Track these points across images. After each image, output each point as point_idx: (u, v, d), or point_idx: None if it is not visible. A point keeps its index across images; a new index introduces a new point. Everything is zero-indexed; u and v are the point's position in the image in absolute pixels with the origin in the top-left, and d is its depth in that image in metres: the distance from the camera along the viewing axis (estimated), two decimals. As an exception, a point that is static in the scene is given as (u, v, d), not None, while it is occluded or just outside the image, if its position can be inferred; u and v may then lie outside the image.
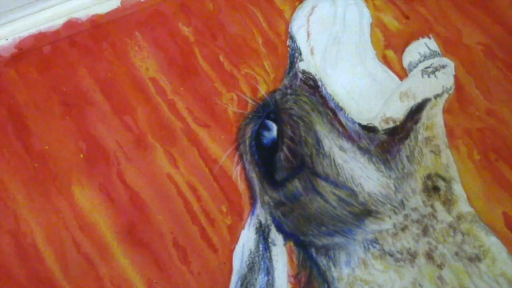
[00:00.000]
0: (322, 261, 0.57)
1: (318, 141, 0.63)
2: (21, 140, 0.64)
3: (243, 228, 0.59)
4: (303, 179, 0.61)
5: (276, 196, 0.61)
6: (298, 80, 0.67)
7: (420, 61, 0.68)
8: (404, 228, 0.59)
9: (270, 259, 0.58)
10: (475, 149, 0.63)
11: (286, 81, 0.67)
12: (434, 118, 0.64)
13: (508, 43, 0.70)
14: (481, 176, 0.62)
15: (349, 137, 0.63)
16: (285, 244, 0.59)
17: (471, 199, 0.60)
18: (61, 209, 0.60)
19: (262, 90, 0.67)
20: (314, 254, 0.58)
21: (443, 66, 0.67)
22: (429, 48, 0.69)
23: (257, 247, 0.58)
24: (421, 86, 0.66)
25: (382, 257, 0.57)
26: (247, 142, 0.63)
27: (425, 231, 0.58)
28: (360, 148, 0.63)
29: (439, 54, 0.69)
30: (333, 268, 0.57)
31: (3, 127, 0.64)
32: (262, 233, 0.59)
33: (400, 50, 0.69)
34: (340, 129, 0.64)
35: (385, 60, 0.69)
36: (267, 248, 0.58)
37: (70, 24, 0.70)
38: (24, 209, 0.60)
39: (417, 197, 0.60)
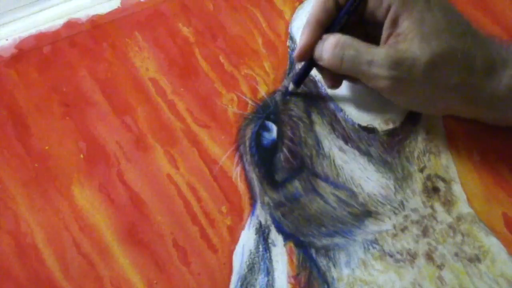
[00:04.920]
0: (322, 261, 0.57)
1: (318, 142, 0.63)
2: (21, 140, 0.63)
3: (243, 228, 0.59)
4: (303, 180, 0.61)
5: (276, 196, 0.61)
6: (298, 80, 0.67)
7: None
8: (404, 229, 0.59)
9: (270, 259, 0.58)
10: (475, 150, 0.63)
11: (286, 82, 0.67)
12: (434, 119, 0.64)
13: (508, 44, 0.69)
14: (481, 177, 0.62)
15: (349, 138, 0.63)
16: (285, 245, 0.59)
17: (471, 200, 0.60)
18: (61, 209, 0.60)
19: (262, 91, 0.67)
20: (314, 255, 0.58)
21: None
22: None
23: (257, 247, 0.58)
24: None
25: (382, 258, 0.57)
26: (247, 143, 0.63)
27: (425, 232, 0.59)
28: (360, 149, 0.63)
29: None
30: (333, 269, 0.57)
31: (3, 127, 0.64)
32: (262, 233, 0.59)
33: (400, 51, 0.69)
34: (340, 130, 0.64)
35: (385, 61, 0.68)
36: (267, 248, 0.58)
37: (70, 24, 0.70)
38: (24, 209, 0.60)
39: (417, 198, 0.60)
